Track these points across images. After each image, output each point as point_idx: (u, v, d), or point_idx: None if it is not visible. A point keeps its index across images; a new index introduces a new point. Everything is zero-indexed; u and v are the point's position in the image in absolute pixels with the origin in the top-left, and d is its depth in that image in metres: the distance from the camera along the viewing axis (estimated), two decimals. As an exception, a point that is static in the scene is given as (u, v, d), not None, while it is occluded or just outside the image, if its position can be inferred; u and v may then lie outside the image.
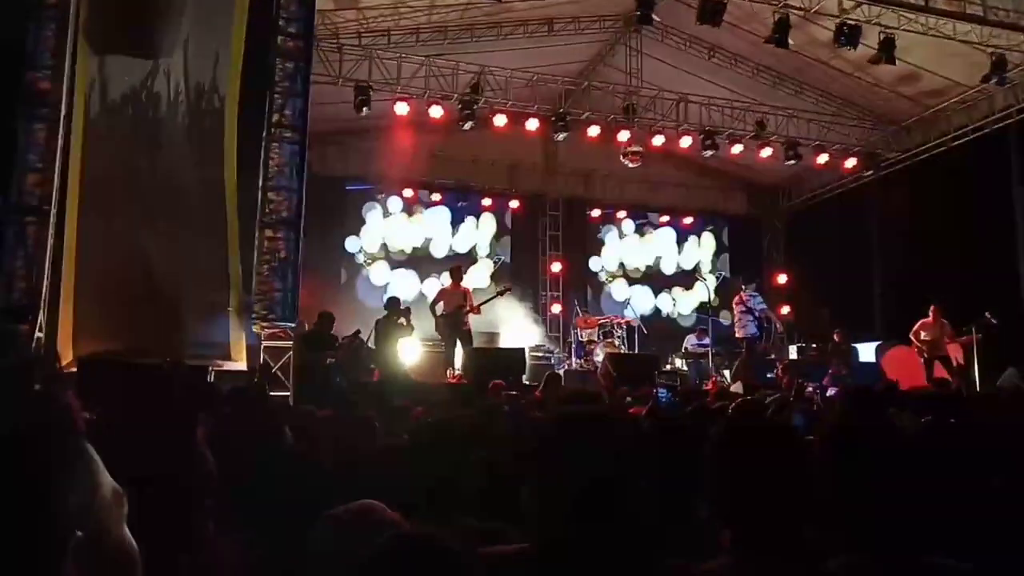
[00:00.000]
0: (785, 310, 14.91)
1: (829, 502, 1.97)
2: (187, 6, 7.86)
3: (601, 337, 13.46)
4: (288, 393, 7.96)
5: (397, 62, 12.41)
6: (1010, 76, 11.87)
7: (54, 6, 7.37)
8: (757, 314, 11.82)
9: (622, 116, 13.62)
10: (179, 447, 1.21)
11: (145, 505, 0.69)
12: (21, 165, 7.21)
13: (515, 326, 13.76)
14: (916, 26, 10.97)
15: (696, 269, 17.79)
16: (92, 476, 0.65)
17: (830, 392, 8.35)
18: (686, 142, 14.12)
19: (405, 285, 15.33)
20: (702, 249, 18.14)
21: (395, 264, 15.73)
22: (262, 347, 8.17)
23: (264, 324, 8.03)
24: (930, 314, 11.29)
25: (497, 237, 16.56)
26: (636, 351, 13.42)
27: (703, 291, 17.30)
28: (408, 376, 9.74)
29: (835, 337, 12.52)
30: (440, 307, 10.83)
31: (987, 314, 10.71)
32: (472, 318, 10.87)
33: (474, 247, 16.32)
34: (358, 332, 9.74)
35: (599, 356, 12.46)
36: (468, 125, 12.93)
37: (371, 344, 10.08)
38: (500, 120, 13.23)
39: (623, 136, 13.76)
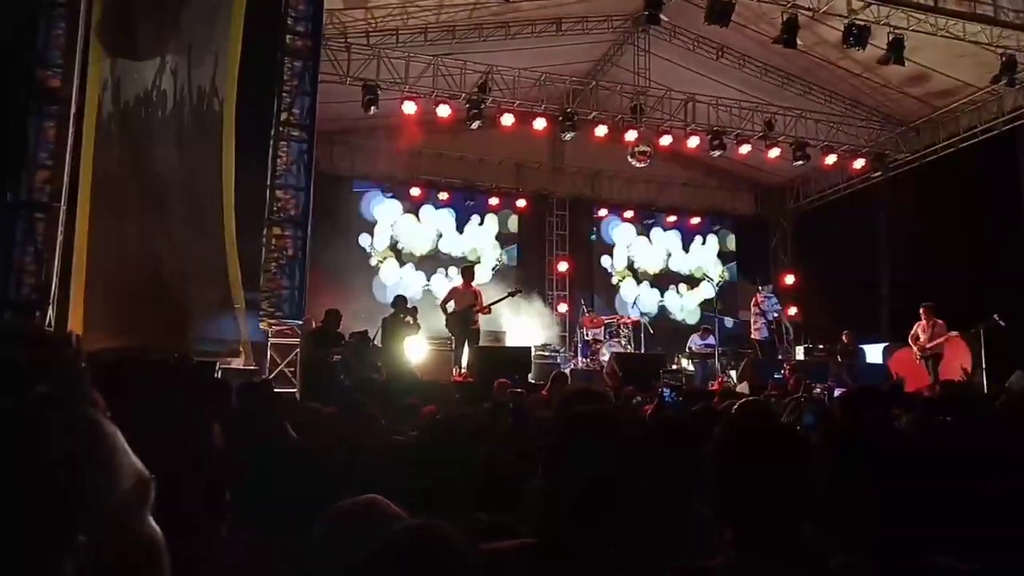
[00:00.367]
0: (792, 311, 14.90)
1: (830, 502, 1.98)
2: (191, 7, 7.91)
3: (607, 336, 13.46)
4: (295, 390, 8.01)
5: (405, 61, 12.43)
6: (1020, 77, 11.81)
7: (63, 5, 7.42)
8: (769, 317, 11.84)
9: (629, 116, 13.60)
10: (191, 442, 1.23)
11: (157, 500, 0.69)
12: (31, 162, 7.26)
13: (521, 325, 13.77)
14: (925, 26, 10.93)
15: (702, 269, 17.79)
16: (110, 463, 0.65)
17: (837, 392, 8.33)
18: (694, 142, 14.10)
19: (413, 283, 15.38)
20: (708, 250, 18.12)
21: (403, 263, 15.77)
22: (269, 344, 8.22)
23: (271, 321, 8.07)
24: (921, 315, 11.27)
25: (502, 236, 16.56)
26: (642, 351, 13.42)
27: (708, 291, 17.37)
28: (414, 374, 9.76)
29: (844, 338, 12.49)
30: (451, 305, 10.89)
31: (995, 316, 10.66)
32: (479, 317, 10.93)
33: (479, 246, 16.35)
34: (365, 332, 9.77)
35: (605, 355, 12.46)
36: (475, 124, 12.94)
37: (378, 342, 10.10)
38: (507, 119, 13.23)
39: (630, 136, 13.75)
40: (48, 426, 0.65)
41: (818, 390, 8.49)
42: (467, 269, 11.50)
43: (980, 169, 13.20)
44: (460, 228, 16.30)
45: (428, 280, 15.78)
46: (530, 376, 9.97)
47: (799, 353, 13.21)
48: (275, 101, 8.45)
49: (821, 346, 12.36)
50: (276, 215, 8.25)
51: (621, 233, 17.60)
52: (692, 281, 17.79)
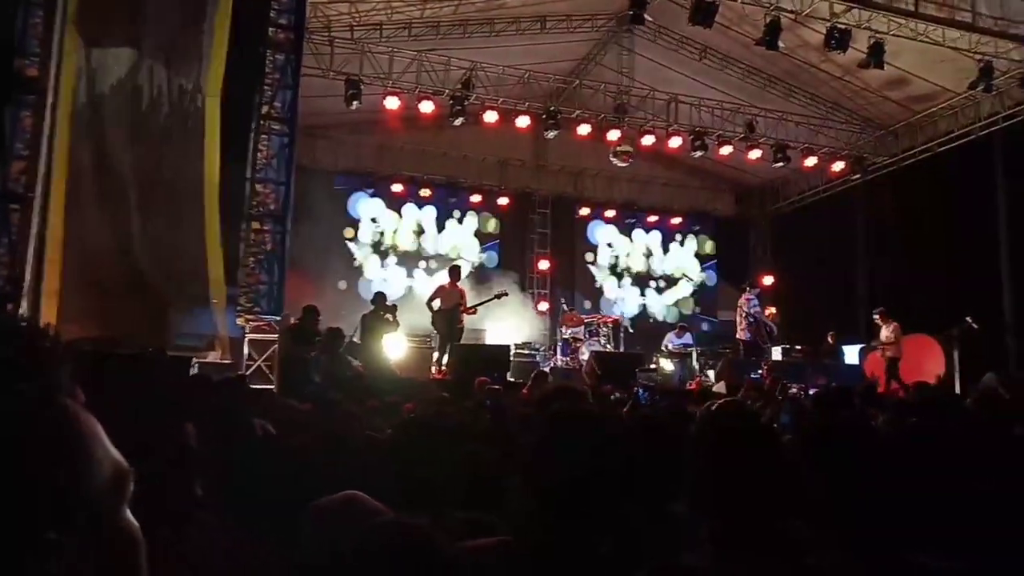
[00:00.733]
0: (771, 311, 15.01)
1: (807, 499, 1.99)
2: (175, 6, 7.82)
3: (587, 335, 13.49)
4: (272, 387, 7.94)
5: (388, 56, 12.38)
6: (997, 83, 11.98)
7: (42, -8, 7.30)
8: (752, 319, 11.95)
9: (612, 115, 13.64)
10: (164, 436, 1.21)
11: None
12: (6, 152, 7.15)
13: (501, 323, 13.76)
14: (905, 31, 11.05)
15: (682, 269, 17.92)
16: (87, 456, 0.63)
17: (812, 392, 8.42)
18: (676, 142, 14.16)
19: (395, 280, 15.33)
20: (688, 250, 18.22)
21: (384, 259, 15.72)
22: (246, 340, 8.15)
23: (249, 317, 8.01)
24: (878, 318, 11.44)
25: (482, 235, 16.54)
26: (621, 349, 13.46)
27: (686, 289, 17.48)
28: (393, 371, 9.72)
29: (829, 339, 12.60)
30: (437, 303, 10.88)
31: (968, 319, 10.81)
32: (464, 316, 10.97)
33: (461, 242, 16.35)
34: (339, 329, 9.68)
35: (584, 354, 12.49)
36: (459, 121, 12.90)
37: (357, 339, 10.05)
38: (491, 116, 13.21)
39: (613, 135, 13.79)
40: (24, 419, 0.64)
41: (795, 390, 8.55)
42: (454, 268, 11.50)
43: (957, 173, 13.38)
44: (442, 225, 16.26)
45: (410, 277, 15.73)
46: (508, 374, 9.96)
47: (776, 354, 13.33)
48: (256, 94, 8.38)
49: (799, 347, 12.47)
50: (255, 209, 8.18)
51: (604, 233, 17.65)
52: (672, 281, 17.89)
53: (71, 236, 7.19)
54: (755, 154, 14.46)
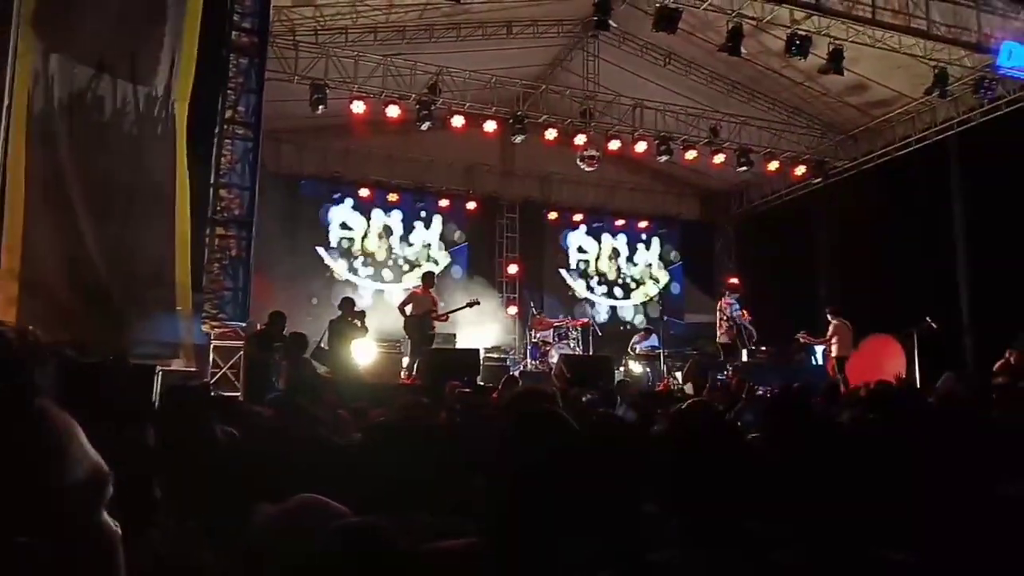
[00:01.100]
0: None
1: (772, 495, 2.03)
2: (138, 10, 7.68)
3: (556, 339, 13.53)
4: (238, 394, 7.83)
5: (354, 61, 12.32)
6: (951, 89, 12.31)
7: (-4, -7, 7.13)
8: (732, 322, 12.09)
9: (579, 120, 13.73)
10: (122, 440, 1.20)
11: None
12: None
13: (471, 327, 13.74)
14: (864, 38, 11.30)
15: (649, 272, 18.09)
16: (64, 457, 0.63)
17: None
18: (641, 147, 14.29)
19: (362, 285, 15.24)
20: (655, 253, 18.39)
21: (352, 265, 15.61)
22: (211, 347, 8.03)
23: (214, 323, 7.89)
24: (835, 320, 11.69)
25: (449, 241, 16.51)
26: (591, 352, 13.52)
27: (653, 293, 17.64)
28: (360, 377, 9.66)
29: (801, 339, 12.80)
30: (409, 308, 10.89)
31: (927, 319, 11.06)
32: (435, 323, 11.00)
33: (429, 246, 16.32)
34: (302, 335, 9.59)
35: (554, 357, 12.52)
36: (425, 126, 12.88)
37: (324, 344, 9.96)
38: (458, 121, 13.21)
39: (580, 140, 13.87)
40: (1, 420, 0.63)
41: (762, 391, 8.66)
42: (427, 275, 11.57)
43: (915, 176, 13.70)
44: (410, 230, 16.20)
45: (378, 282, 15.65)
46: (479, 378, 9.96)
47: (743, 355, 13.49)
48: (220, 98, 8.27)
49: (763, 348, 12.63)
50: (220, 215, 8.07)
51: (573, 237, 17.73)
52: (639, 284, 18.04)
53: (29, 244, 7.02)
54: (719, 158, 14.65)
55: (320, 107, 12.08)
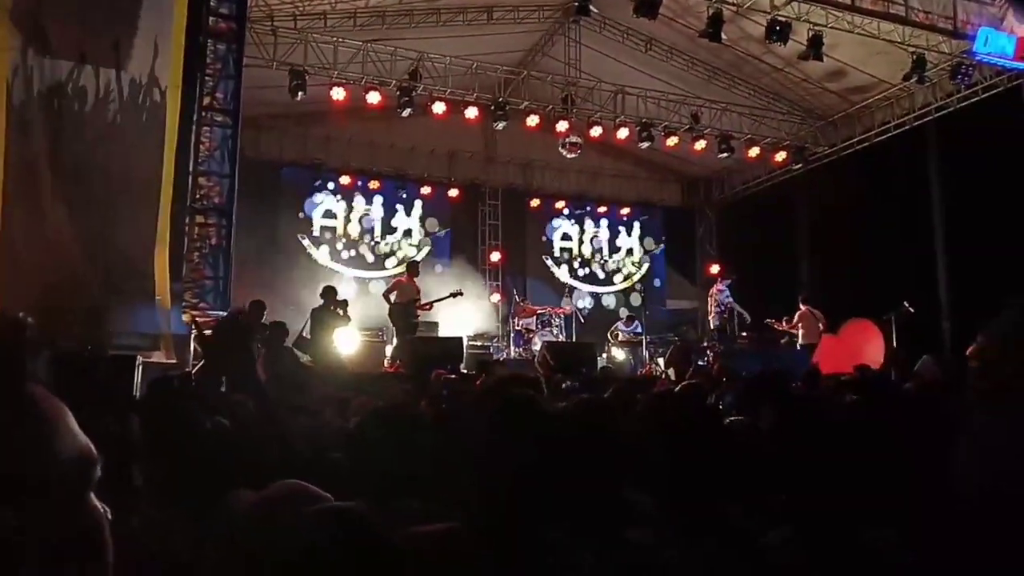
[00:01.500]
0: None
1: (750, 476, 2.05)
2: (129, 3, 7.56)
3: (539, 326, 13.57)
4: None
5: (333, 46, 12.20)
6: (929, 75, 12.40)
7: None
8: (722, 307, 12.19)
9: (561, 106, 13.70)
10: (104, 429, 1.19)
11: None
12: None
13: (454, 315, 13.74)
14: (843, 24, 11.36)
15: (631, 259, 18.16)
16: (49, 441, 0.64)
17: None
18: (623, 133, 14.29)
19: (345, 273, 15.18)
20: (637, 240, 18.45)
21: (333, 253, 15.53)
22: (192, 337, 7.98)
23: (195, 313, 7.84)
24: (802, 307, 11.85)
25: (429, 226, 16.47)
26: (574, 339, 13.57)
27: (635, 279, 17.72)
28: (343, 366, 9.63)
29: (772, 325, 12.90)
30: (394, 296, 10.89)
31: (905, 303, 11.18)
32: (419, 312, 11.04)
33: (410, 234, 16.28)
34: (282, 323, 9.54)
35: (537, 345, 12.56)
36: (406, 112, 12.80)
37: (307, 333, 9.92)
38: (439, 107, 13.14)
39: (562, 126, 13.85)
40: None
41: (744, 375, 8.71)
42: (412, 264, 11.61)
43: (894, 162, 13.83)
44: (391, 217, 16.13)
45: (360, 269, 15.59)
46: (462, 366, 9.96)
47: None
48: (197, 85, 8.18)
49: (745, 333, 12.74)
50: (199, 203, 8.00)
51: (556, 224, 17.74)
52: (621, 270, 18.10)
53: (9, 232, 6.93)
54: (700, 145, 14.68)
55: (300, 94, 11.97)
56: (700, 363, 10.46)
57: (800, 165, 15.51)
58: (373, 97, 12.53)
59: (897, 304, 11.29)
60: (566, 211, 17.74)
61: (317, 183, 15.47)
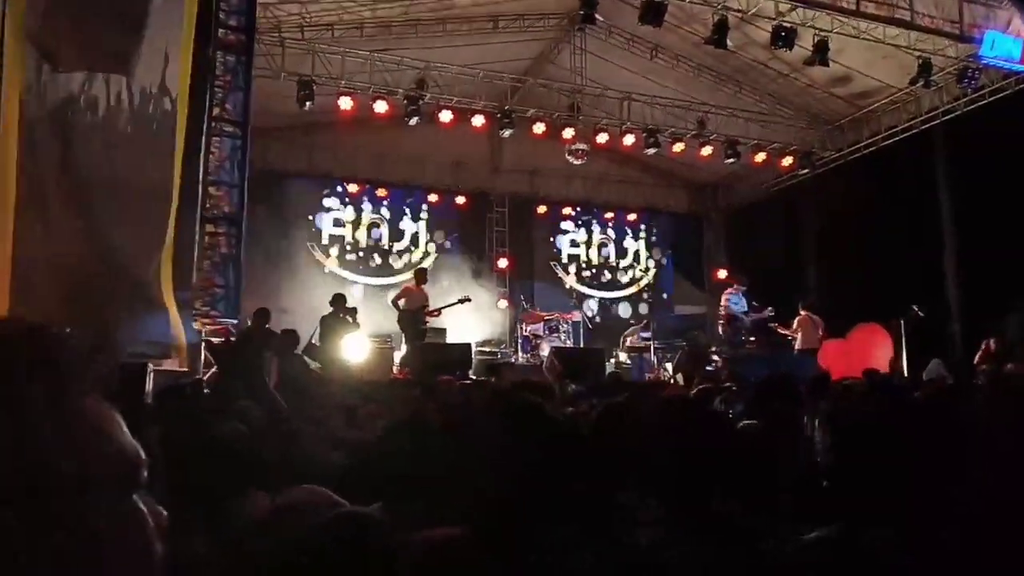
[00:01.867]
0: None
1: (757, 481, 2.08)
2: (123, 17, 7.65)
3: (547, 332, 13.59)
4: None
5: (341, 57, 12.30)
6: (936, 79, 12.40)
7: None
8: (725, 315, 12.18)
9: (567, 114, 13.75)
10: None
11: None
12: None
13: (462, 322, 13.79)
14: (848, 29, 11.38)
15: (639, 265, 18.17)
16: (90, 441, 0.68)
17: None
18: (629, 140, 14.33)
19: (353, 282, 15.26)
20: (644, 246, 18.47)
21: (342, 261, 15.61)
22: (203, 345, 8.04)
23: (205, 321, 7.91)
24: (801, 312, 11.83)
25: (438, 237, 16.54)
26: (582, 345, 13.59)
27: (643, 285, 17.72)
28: (352, 372, 9.67)
29: (777, 329, 12.86)
30: (403, 303, 10.95)
31: (914, 307, 11.16)
32: (428, 319, 11.09)
33: (418, 242, 16.35)
34: (293, 331, 9.60)
35: (545, 351, 12.58)
36: (413, 121, 12.88)
37: (316, 341, 9.98)
38: (446, 116, 13.22)
39: (568, 133, 13.90)
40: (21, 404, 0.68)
41: (753, 380, 8.71)
42: (420, 271, 11.68)
43: (901, 166, 13.81)
44: (399, 226, 16.22)
45: (369, 277, 15.66)
46: (471, 372, 10.00)
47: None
48: (207, 96, 8.27)
49: (752, 338, 12.71)
50: (210, 212, 8.08)
51: (563, 231, 17.78)
52: (629, 276, 18.12)
53: (22, 244, 7.01)
54: (707, 151, 14.71)
55: (307, 104, 12.07)
56: (708, 368, 10.45)
57: (807, 170, 15.50)
58: (380, 106, 12.62)
59: (906, 308, 11.28)
60: (573, 218, 17.78)
61: (325, 192, 15.57)
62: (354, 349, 10.43)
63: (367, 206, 15.94)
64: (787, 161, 15.42)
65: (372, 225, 16.01)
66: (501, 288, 16.78)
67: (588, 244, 17.96)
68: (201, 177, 8.11)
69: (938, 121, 13.37)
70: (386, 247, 16.06)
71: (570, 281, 17.56)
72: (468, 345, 11.05)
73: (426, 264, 15.16)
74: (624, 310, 17.77)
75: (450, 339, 12.42)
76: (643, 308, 17.53)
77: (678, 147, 14.58)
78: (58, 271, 7.23)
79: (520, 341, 13.79)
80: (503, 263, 16.86)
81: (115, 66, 7.45)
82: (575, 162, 14.35)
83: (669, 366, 12.39)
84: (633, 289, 18.04)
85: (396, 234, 16.20)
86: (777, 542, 1.81)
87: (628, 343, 13.64)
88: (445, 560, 1.44)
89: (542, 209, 17.40)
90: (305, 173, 15.27)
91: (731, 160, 14.78)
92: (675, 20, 11.79)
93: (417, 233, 16.41)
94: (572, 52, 13.70)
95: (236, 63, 8.53)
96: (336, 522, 1.19)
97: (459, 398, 4.88)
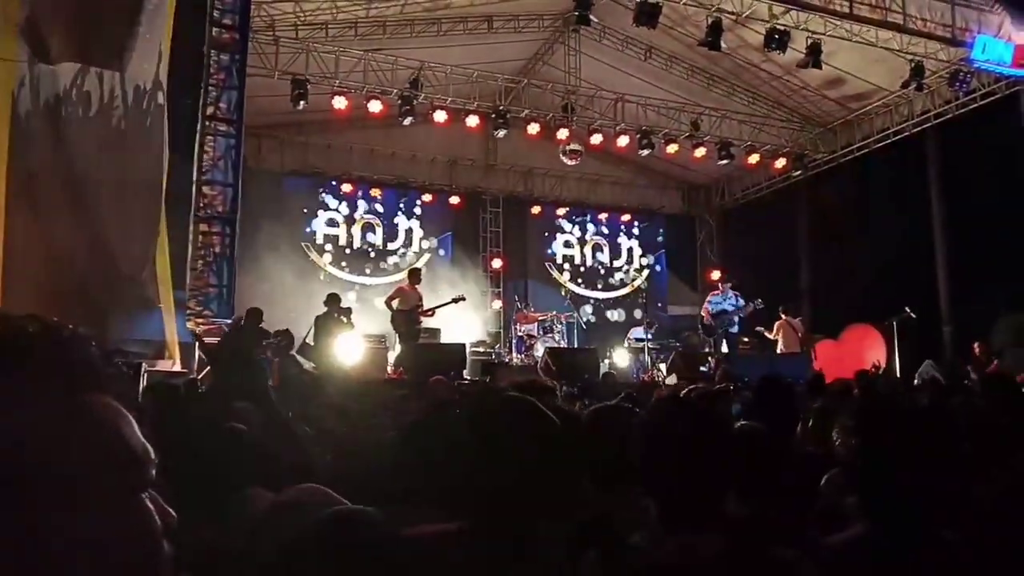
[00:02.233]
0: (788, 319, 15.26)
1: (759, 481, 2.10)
2: (119, 12, 7.63)
3: (541, 332, 13.59)
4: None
5: (335, 56, 12.28)
6: (927, 82, 12.48)
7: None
8: (705, 313, 12.23)
9: (561, 114, 13.77)
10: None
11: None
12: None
13: (456, 322, 13.78)
14: (841, 32, 11.44)
15: (633, 266, 18.21)
16: (102, 438, 0.69)
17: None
18: (623, 141, 14.36)
19: (347, 281, 15.23)
20: (637, 247, 18.50)
21: (336, 260, 15.58)
22: (197, 344, 8.03)
23: (199, 320, 7.89)
24: (781, 316, 11.90)
25: (430, 234, 16.53)
26: (576, 346, 13.59)
27: (636, 286, 17.75)
28: (346, 372, 9.66)
29: (763, 334, 12.90)
30: (396, 303, 10.93)
31: (906, 308, 11.23)
32: (422, 319, 11.07)
33: (412, 242, 16.33)
34: (287, 331, 9.58)
35: (539, 351, 12.58)
36: (407, 121, 12.88)
37: (310, 340, 9.96)
38: (440, 116, 13.22)
39: (562, 134, 13.92)
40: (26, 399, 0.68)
41: (747, 380, 8.73)
42: (413, 271, 11.63)
43: (893, 168, 13.89)
44: (393, 225, 16.20)
45: (363, 276, 15.64)
46: (465, 372, 10.00)
47: (725, 347, 13.61)
48: (201, 95, 8.25)
49: (746, 339, 12.76)
50: (203, 211, 8.06)
51: (557, 231, 17.80)
52: (623, 277, 18.14)
53: (13, 241, 6.97)
54: (700, 152, 14.76)
55: (301, 103, 12.05)
56: (702, 369, 10.48)
57: (800, 172, 15.57)
58: (374, 106, 12.61)
59: (897, 310, 11.34)
60: (567, 218, 17.80)
61: (319, 191, 15.54)
62: (348, 349, 10.41)
63: (361, 206, 15.92)
64: (780, 163, 15.49)
65: (366, 225, 15.98)
66: (495, 288, 16.78)
67: (582, 245, 17.98)
68: (195, 177, 8.09)
69: (930, 124, 13.46)
70: (380, 247, 16.04)
71: (564, 281, 17.58)
72: (462, 345, 11.04)
73: (420, 264, 15.14)
74: (617, 311, 17.79)
75: (444, 339, 12.41)
76: (636, 309, 17.55)
77: (672, 148, 14.63)
78: (49, 266, 7.20)
79: (514, 341, 13.79)
80: (497, 263, 16.87)
81: (109, 61, 7.43)
82: (569, 163, 14.38)
83: (663, 366, 12.41)
84: (627, 290, 18.06)
85: (390, 234, 16.18)
86: (785, 543, 1.82)
87: (627, 343, 13.65)
88: (444, 555, 1.45)
89: (536, 209, 17.41)
90: (298, 172, 15.24)
91: (724, 161, 14.84)
92: (669, 22, 11.83)
93: (411, 233, 16.39)
94: (566, 53, 13.73)
95: (230, 62, 8.51)
96: (335, 519, 1.20)
97: (454, 395, 4.87)
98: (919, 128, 13.65)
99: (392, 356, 11.15)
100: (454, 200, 16.53)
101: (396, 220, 16.24)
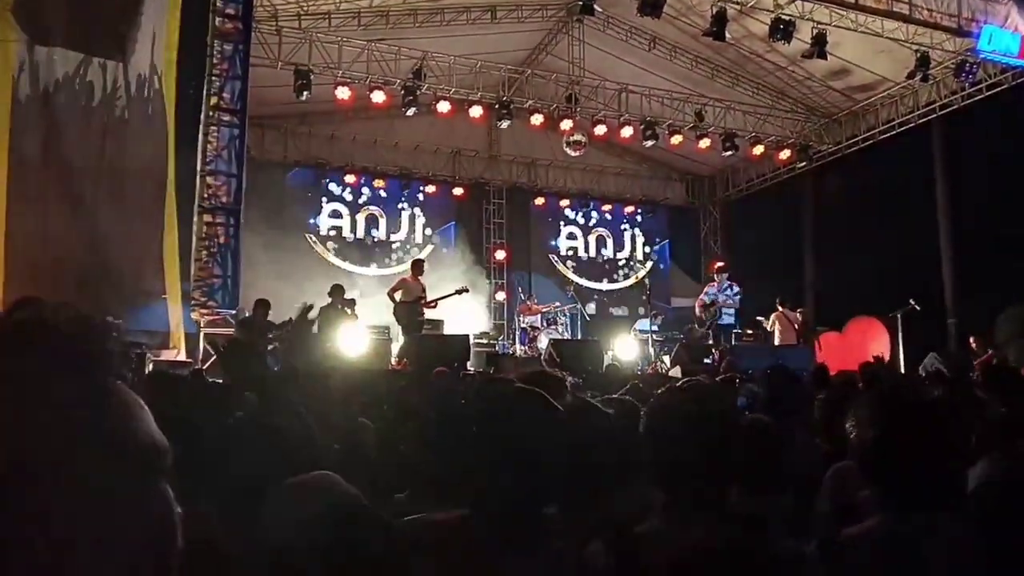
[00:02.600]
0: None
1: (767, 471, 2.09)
2: (134, 3, 7.62)
3: (544, 324, 13.58)
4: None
5: (338, 46, 12.24)
6: (933, 73, 12.42)
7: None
8: (701, 302, 12.20)
9: (565, 105, 13.72)
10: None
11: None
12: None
13: (459, 313, 13.77)
14: (847, 22, 11.37)
15: (636, 257, 18.18)
16: (120, 425, 0.69)
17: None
18: (627, 132, 14.31)
19: (350, 272, 15.22)
20: (641, 238, 18.47)
21: (340, 251, 15.58)
22: (202, 335, 8.04)
23: (203, 311, 7.90)
24: (778, 307, 11.88)
25: (434, 225, 16.51)
26: (579, 337, 13.59)
27: (640, 277, 17.72)
28: (350, 363, 9.66)
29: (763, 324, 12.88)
30: (399, 295, 10.92)
31: (911, 300, 11.20)
32: (424, 310, 11.06)
33: (415, 233, 16.32)
34: (290, 320, 9.56)
35: (543, 342, 12.58)
36: (411, 111, 12.85)
37: (313, 331, 9.96)
38: (443, 107, 13.18)
39: (566, 125, 13.87)
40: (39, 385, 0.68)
41: (751, 372, 8.72)
42: (416, 262, 11.61)
43: (899, 159, 13.84)
44: (396, 216, 16.18)
45: (366, 267, 15.63)
46: (468, 364, 10.00)
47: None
48: (204, 85, 8.23)
49: (749, 331, 12.73)
50: (207, 202, 8.06)
51: (560, 222, 17.77)
52: (626, 268, 18.12)
53: (14, 229, 6.98)
54: (704, 143, 14.70)
55: (304, 93, 12.01)
56: (706, 361, 10.47)
57: (804, 163, 15.51)
58: (378, 96, 12.57)
59: (902, 302, 11.32)
60: (570, 209, 17.77)
61: (323, 182, 15.52)
62: (352, 340, 10.41)
63: (364, 196, 15.90)
64: (785, 154, 15.43)
65: (369, 216, 15.97)
66: (499, 279, 16.77)
67: (586, 236, 17.95)
68: (198, 167, 8.08)
69: (935, 115, 13.39)
70: (383, 237, 16.03)
71: (567, 272, 17.56)
72: (466, 336, 11.02)
73: (423, 255, 15.14)
74: (621, 304, 17.78)
75: (448, 331, 12.40)
76: (640, 299, 17.52)
77: (676, 139, 14.58)
78: (51, 256, 7.21)
79: (518, 333, 13.79)
80: (500, 254, 16.85)
81: (111, 51, 7.42)
82: (573, 154, 14.34)
83: (667, 358, 12.40)
84: (630, 281, 18.04)
85: (393, 225, 16.17)
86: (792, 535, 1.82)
87: (637, 335, 13.63)
88: (451, 542, 1.45)
89: (540, 200, 17.39)
90: (301, 163, 15.22)
91: (729, 152, 14.78)
92: (674, 12, 11.78)
93: (414, 224, 16.38)
94: (570, 43, 13.67)
95: (233, 52, 8.49)
96: (343, 505, 1.20)
97: (457, 386, 4.87)
98: (925, 119, 13.59)
99: (396, 347, 11.16)
100: (457, 191, 16.51)
101: (399, 211, 16.22)
